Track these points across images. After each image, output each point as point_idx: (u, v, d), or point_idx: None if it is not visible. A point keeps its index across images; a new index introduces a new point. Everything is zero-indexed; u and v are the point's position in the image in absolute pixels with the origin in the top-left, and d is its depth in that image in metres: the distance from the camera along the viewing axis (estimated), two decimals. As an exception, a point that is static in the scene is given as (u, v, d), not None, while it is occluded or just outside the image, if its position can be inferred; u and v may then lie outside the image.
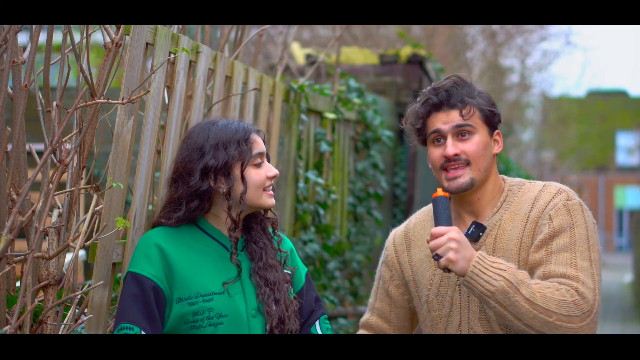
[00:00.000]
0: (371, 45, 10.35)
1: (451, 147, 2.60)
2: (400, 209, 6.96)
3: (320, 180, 4.88)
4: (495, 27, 14.43)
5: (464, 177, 2.60)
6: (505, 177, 2.73)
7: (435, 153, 2.63)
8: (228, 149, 2.53)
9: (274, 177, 2.58)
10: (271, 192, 2.58)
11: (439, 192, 2.58)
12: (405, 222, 2.85)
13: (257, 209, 2.59)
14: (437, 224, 2.55)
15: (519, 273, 2.48)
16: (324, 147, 5.00)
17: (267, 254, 2.60)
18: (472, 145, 2.61)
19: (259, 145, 2.58)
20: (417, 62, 7.32)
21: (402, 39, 9.55)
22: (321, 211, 4.92)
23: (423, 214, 2.82)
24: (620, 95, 40.70)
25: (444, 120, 2.62)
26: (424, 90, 2.70)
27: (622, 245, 39.89)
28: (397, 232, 2.84)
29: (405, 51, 7.35)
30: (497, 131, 2.68)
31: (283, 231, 4.43)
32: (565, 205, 2.58)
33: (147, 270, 2.48)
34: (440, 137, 2.63)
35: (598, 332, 2.53)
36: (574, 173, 29.08)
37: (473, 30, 14.02)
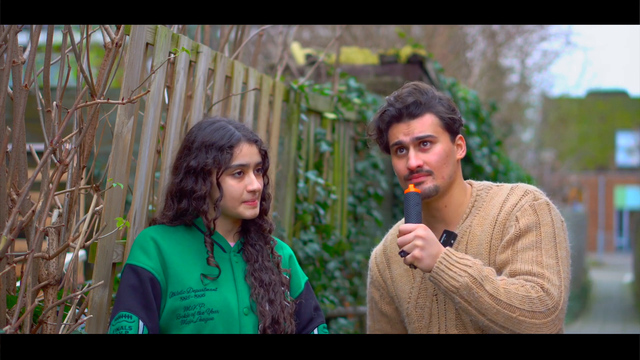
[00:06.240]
0: (371, 45, 10.34)
1: (414, 159, 2.62)
2: (400, 209, 6.95)
3: (320, 180, 4.88)
4: (495, 27, 14.42)
5: (428, 183, 2.62)
6: (472, 181, 2.75)
7: (399, 164, 2.65)
8: (208, 154, 2.54)
9: (254, 191, 2.57)
10: (252, 204, 2.57)
11: (411, 188, 2.60)
12: (383, 240, 2.88)
13: (238, 218, 2.60)
14: (406, 220, 2.57)
15: (485, 269, 2.50)
16: (324, 147, 5.00)
17: (263, 257, 2.62)
18: (433, 155, 2.62)
19: (244, 156, 2.56)
20: (417, 62, 7.32)
21: (402, 39, 9.54)
22: (321, 211, 4.92)
23: (396, 229, 2.83)
24: (620, 95, 40.69)
25: (405, 132, 2.63)
26: (386, 97, 2.71)
27: (622, 245, 39.89)
28: (377, 251, 2.87)
29: (405, 51, 7.35)
30: (459, 136, 2.69)
31: (283, 231, 4.43)
32: (531, 206, 2.60)
33: (144, 262, 2.51)
34: (402, 148, 2.65)
35: (598, 332, 2.54)
36: (574, 173, 29.07)
37: (473, 30, 14.01)
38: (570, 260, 2.60)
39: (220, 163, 2.54)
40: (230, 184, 2.55)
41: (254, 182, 2.57)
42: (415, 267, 2.54)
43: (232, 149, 2.55)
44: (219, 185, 2.55)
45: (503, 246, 2.59)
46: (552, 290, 2.50)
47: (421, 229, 2.52)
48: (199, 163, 2.54)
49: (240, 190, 2.56)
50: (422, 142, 2.62)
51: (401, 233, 2.53)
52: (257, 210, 2.59)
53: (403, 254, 2.53)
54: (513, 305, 2.46)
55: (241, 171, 2.56)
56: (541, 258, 2.53)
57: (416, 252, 2.50)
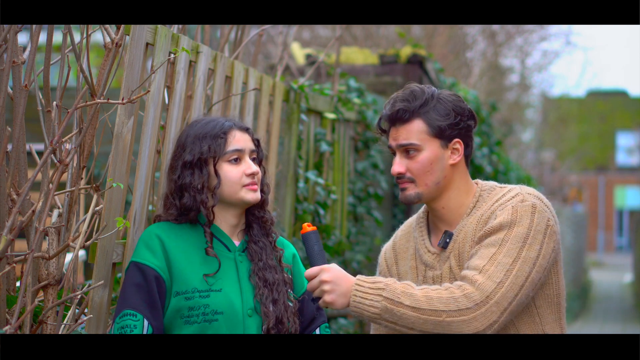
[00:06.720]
0: (371, 45, 10.34)
1: (396, 165, 2.64)
2: (400, 209, 6.95)
3: (320, 180, 4.88)
4: (495, 27, 14.42)
5: (410, 190, 2.63)
6: (479, 181, 2.73)
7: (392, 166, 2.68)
8: (202, 144, 2.57)
9: (253, 174, 2.59)
10: (253, 187, 2.59)
11: (305, 227, 2.59)
12: (393, 237, 2.88)
13: (240, 205, 2.60)
14: (310, 262, 2.56)
15: (398, 286, 2.49)
16: (324, 147, 5.00)
17: (267, 255, 2.62)
18: (416, 163, 2.62)
19: (237, 141, 2.59)
20: (417, 62, 7.31)
21: (402, 39, 9.54)
22: (321, 211, 4.92)
23: (406, 226, 2.84)
24: (620, 95, 40.70)
25: (394, 137, 2.65)
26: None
27: (622, 245, 39.91)
28: (387, 247, 2.87)
29: (405, 51, 7.35)
30: (455, 140, 2.64)
31: (283, 231, 4.43)
32: (514, 206, 2.58)
33: (150, 260, 2.51)
34: (393, 152, 2.67)
35: (598, 332, 2.53)
36: (574, 173, 29.05)
37: (473, 30, 14.00)
38: (545, 264, 2.55)
39: (216, 150, 2.57)
40: (228, 169, 2.58)
41: (251, 165, 2.60)
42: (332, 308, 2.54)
43: (226, 135, 2.59)
44: (216, 173, 2.56)
45: (475, 241, 2.59)
46: (484, 284, 2.47)
47: (324, 273, 2.51)
48: (194, 155, 2.56)
49: (239, 174, 2.58)
50: (407, 150, 2.63)
51: (307, 278, 2.54)
52: (258, 195, 2.61)
53: (314, 300, 2.53)
54: (438, 310, 2.46)
55: (238, 157, 2.59)
56: (497, 256, 2.51)
57: (326, 298, 2.50)
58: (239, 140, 2.60)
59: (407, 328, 2.48)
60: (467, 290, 2.47)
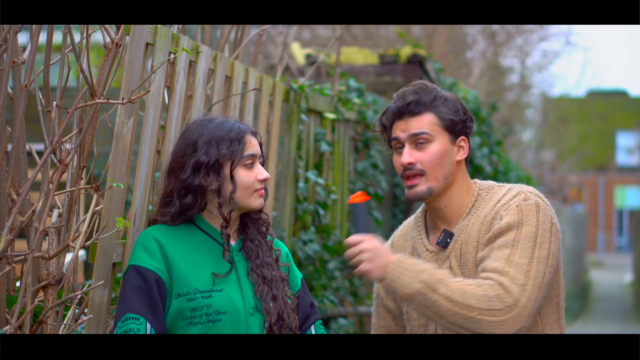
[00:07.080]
0: (371, 45, 10.34)
1: (407, 155, 2.63)
2: (400, 209, 6.96)
3: (320, 180, 4.88)
4: (495, 27, 14.42)
5: (421, 186, 2.63)
6: (477, 180, 2.74)
7: (397, 161, 2.67)
8: (220, 147, 2.56)
9: (265, 180, 2.60)
10: (262, 193, 2.60)
11: (355, 197, 2.60)
12: (391, 237, 2.89)
13: (244, 209, 2.61)
14: (355, 230, 2.58)
15: (437, 273, 2.50)
16: (324, 147, 5.00)
17: (263, 252, 2.63)
18: (427, 154, 2.62)
19: (252, 146, 2.60)
20: (417, 62, 7.31)
21: (402, 39, 9.54)
22: (321, 211, 4.92)
23: (404, 226, 2.85)
24: (620, 95, 40.72)
25: (403, 129, 2.65)
26: (394, 95, 2.72)
27: (622, 245, 39.93)
28: (385, 246, 2.87)
29: (405, 51, 7.35)
30: (461, 137, 2.67)
31: (283, 231, 4.43)
32: (518, 206, 2.59)
33: (149, 262, 2.50)
34: (400, 145, 2.66)
35: (598, 332, 2.54)
36: (574, 173, 29.05)
37: (473, 30, 14.01)
38: (554, 262, 2.55)
39: (235, 154, 2.56)
40: (243, 175, 2.57)
41: (263, 171, 2.61)
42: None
43: (244, 139, 2.58)
44: (232, 177, 2.56)
45: (484, 243, 2.59)
46: (511, 287, 2.47)
47: (367, 242, 2.53)
48: (211, 157, 2.55)
49: (252, 180, 2.58)
50: (418, 141, 2.63)
51: (348, 245, 2.55)
52: (263, 201, 2.61)
53: (352, 268, 2.54)
54: (470, 306, 2.45)
55: (252, 162, 2.59)
56: (513, 257, 2.51)
57: (364, 266, 2.52)
58: (254, 145, 2.61)
59: (437, 316, 2.48)
60: (498, 291, 2.47)
